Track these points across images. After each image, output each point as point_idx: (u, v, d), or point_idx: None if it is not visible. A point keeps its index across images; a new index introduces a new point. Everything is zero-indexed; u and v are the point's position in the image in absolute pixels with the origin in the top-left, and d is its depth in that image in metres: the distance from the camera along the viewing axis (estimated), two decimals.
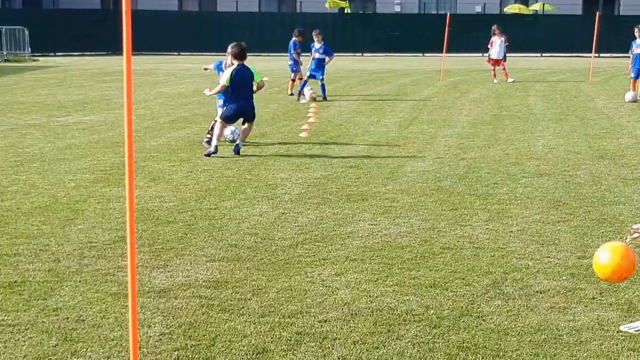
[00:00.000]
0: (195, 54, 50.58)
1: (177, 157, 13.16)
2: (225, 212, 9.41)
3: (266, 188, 10.77)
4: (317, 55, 23.16)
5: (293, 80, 24.06)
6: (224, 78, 13.49)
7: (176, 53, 51.15)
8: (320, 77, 23.04)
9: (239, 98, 13.59)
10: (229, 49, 13.86)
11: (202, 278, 6.95)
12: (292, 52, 23.89)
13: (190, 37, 51.55)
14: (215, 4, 59.35)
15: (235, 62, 13.55)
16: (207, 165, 12.42)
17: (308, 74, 23.24)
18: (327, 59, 23.43)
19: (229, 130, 14.33)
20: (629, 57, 23.96)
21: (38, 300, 6.38)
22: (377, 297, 6.51)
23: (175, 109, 20.38)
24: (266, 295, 6.55)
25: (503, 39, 30.04)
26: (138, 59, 42.72)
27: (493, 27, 30.64)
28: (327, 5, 54.43)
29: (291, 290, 6.67)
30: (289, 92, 23.70)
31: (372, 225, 8.86)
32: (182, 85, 27.95)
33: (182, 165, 12.36)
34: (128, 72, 4.63)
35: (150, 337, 5.66)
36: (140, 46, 46.62)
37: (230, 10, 54.40)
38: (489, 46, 30.60)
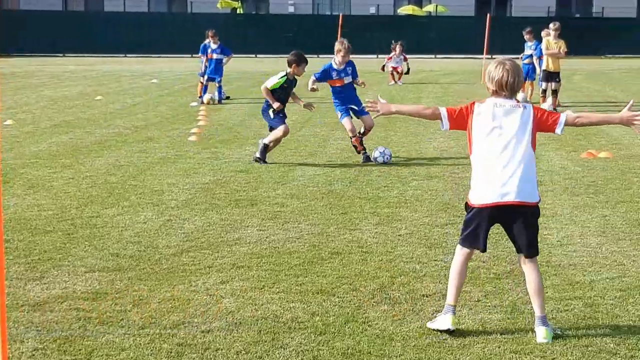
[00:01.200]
0: (81, 55, 49.73)
1: (58, 163, 12.90)
2: (108, 220, 9.27)
3: (152, 194, 10.65)
4: (214, 56, 23.04)
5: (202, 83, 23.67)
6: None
7: (61, 54, 50.20)
8: (219, 79, 22.94)
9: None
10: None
11: (80, 290, 6.81)
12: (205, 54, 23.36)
13: (75, 37, 50.64)
14: (102, 4, 58.50)
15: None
16: (90, 171, 12.22)
17: (206, 77, 23.09)
18: (225, 59, 23.33)
19: (378, 152, 13.23)
20: (519, 58, 24.58)
21: None
22: (262, 305, 6.50)
23: (57, 113, 19.99)
24: (147, 306, 6.46)
25: (402, 57, 30.50)
26: (20, 60, 41.83)
27: (397, 44, 30.96)
28: (218, 5, 54.28)
29: (174, 300, 6.60)
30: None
31: (260, 231, 8.85)
32: (66, 88, 27.44)
33: (63, 172, 12.12)
34: None
35: (22, 353, 5.52)
36: (23, 47, 45.67)
37: (118, 10, 53.66)
38: (387, 61, 30.86)
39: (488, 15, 31.00)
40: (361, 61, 46.76)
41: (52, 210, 9.67)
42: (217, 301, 6.58)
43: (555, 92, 20.74)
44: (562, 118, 5.96)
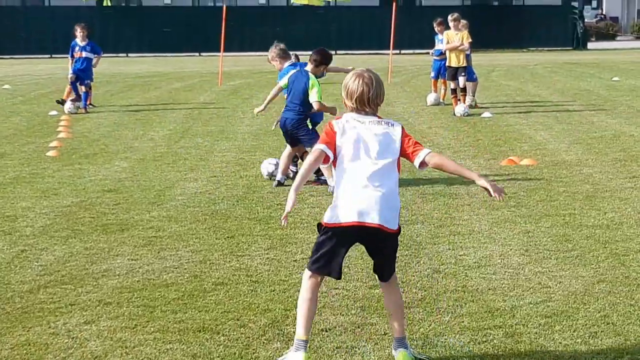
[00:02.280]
0: None
1: None
2: None
3: (2, 221, 10.47)
4: (84, 55, 22.76)
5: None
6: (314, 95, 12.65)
7: None
8: (86, 82, 22.63)
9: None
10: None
11: None
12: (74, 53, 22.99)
13: None
14: None
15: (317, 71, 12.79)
16: None
17: (72, 76, 22.71)
18: (94, 58, 23.07)
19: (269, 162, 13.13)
20: (430, 53, 24.98)
21: None
22: (134, 347, 6.44)
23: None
24: None
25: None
26: None
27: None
28: None
29: (29, 345, 6.49)
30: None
31: (132, 260, 8.78)
32: None
33: None
34: None
35: None
36: None
37: None
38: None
39: (394, 4, 31.40)
40: (249, 59, 46.97)
41: None
42: (80, 345, 6.49)
43: (464, 90, 21.12)
44: (424, 152, 6.06)
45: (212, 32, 44.52)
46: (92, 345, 6.48)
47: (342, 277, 7.68)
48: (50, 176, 13.37)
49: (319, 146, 6.03)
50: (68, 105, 22.25)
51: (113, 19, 52.23)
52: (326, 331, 6.73)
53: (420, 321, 6.92)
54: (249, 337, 6.61)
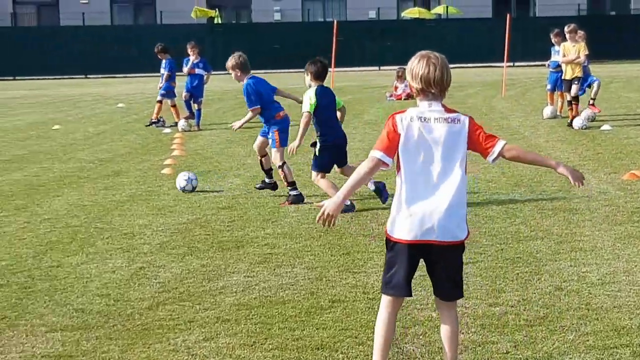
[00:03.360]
0: (34, 77, 49.95)
1: (10, 205, 12.95)
2: (71, 270, 9.29)
3: (121, 238, 10.68)
4: (196, 71, 23.20)
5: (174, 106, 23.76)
6: (306, 104, 12.39)
7: (11, 77, 50.41)
8: (199, 100, 23.08)
9: (334, 128, 12.48)
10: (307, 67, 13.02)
11: (40, 353, 6.82)
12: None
13: (27, 57, 50.86)
14: (57, 18, 58.82)
15: (315, 83, 12.69)
16: (48, 213, 12.25)
17: (186, 94, 23.18)
18: (205, 75, 23.48)
19: (183, 178, 13.62)
20: (546, 65, 24.71)
21: None
22: None
23: (8, 147, 20.06)
24: None
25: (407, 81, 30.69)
26: None
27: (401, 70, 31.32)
28: (192, 14, 54.55)
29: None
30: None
31: (248, 277, 8.87)
32: (18, 117, 27.56)
33: (17, 215, 12.16)
34: None
35: None
36: None
37: (76, 24, 53.92)
38: (394, 90, 31.03)
39: (508, 16, 31.17)
40: (359, 74, 47.05)
41: (5, 261, 9.69)
42: None
43: (576, 99, 20.82)
44: (499, 146, 5.83)
45: (322, 47, 44.74)
46: None
47: (463, 294, 7.63)
48: (165, 194, 13.61)
49: (376, 154, 5.81)
50: (181, 124, 22.63)
51: (223, 36, 52.92)
52: None
53: (544, 339, 6.84)
54: (367, 355, 6.61)
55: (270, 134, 13.31)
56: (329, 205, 5.76)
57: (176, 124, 23.16)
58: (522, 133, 20.05)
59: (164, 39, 50.91)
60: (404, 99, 30.01)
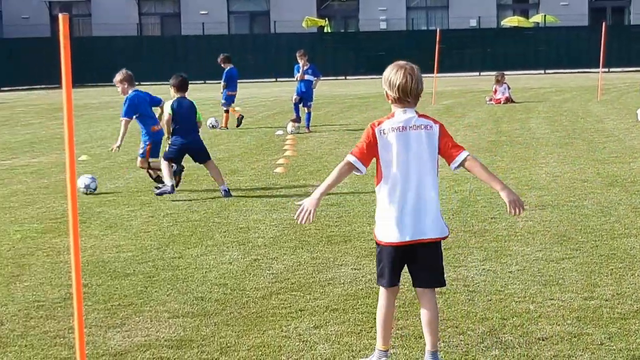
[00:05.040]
0: (157, 83, 50.71)
1: (137, 200, 13.19)
2: (191, 261, 9.43)
3: (237, 232, 10.80)
4: (306, 77, 23.37)
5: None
6: (166, 110, 13.75)
7: (137, 83, 51.29)
8: (309, 104, 23.25)
9: (184, 132, 13.65)
10: (170, 81, 14.20)
11: (163, 337, 6.95)
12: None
13: (152, 64, 51.75)
14: (179, 28, 59.68)
15: (177, 94, 13.92)
16: (171, 209, 12.45)
17: (296, 97, 23.39)
18: (314, 80, 23.62)
19: (82, 180, 13.90)
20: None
21: None
22: (360, 351, 6.53)
23: (135, 147, 20.38)
24: (236, 353, 6.55)
25: (506, 85, 30.45)
26: (93, 91, 42.87)
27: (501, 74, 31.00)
28: (303, 24, 54.86)
29: (264, 347, 6.68)
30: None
31: (355, 270, 8.89)
32: None
33: (142, 210, 12.39)
34: (69, 109, 4.67)
35: None
36: (96, 77, 46.82)
37: (196, 34, 54.66)
38: (493, 95, 30.70)
39: (603, 24, 30.62)
40: (461, 80, 46.78)
41: (132, 252, 9.88)
42: (310, 347, 6.63)
43: None
44: (461, 157, 5.95)
45: (425, 53, 44.60)
46: (321, 349, 6.60)
47: (557, 287, 7.54)
48: (278, 191, 13.72)
49: (350, 158, 5.94)
50: (290, 127, 22.79)
51: (332, 44, 53.13)
52: (543, 340, 6.63)
53: (637, 332, 6.72)
54: (468, 344, 6.59)
55: (143, 144, 14.21)
56: (306, 202, 6.03)
57: (227, 128, 23.99)
58: (617, 135, 19.69)
59: (277, 47, 51.58)
60: (503, 103, 29.71)
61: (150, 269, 9.12)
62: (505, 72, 32.70)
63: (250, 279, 8.66)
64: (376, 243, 6.08)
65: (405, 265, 6.11)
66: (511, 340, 6.64)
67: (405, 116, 5.92)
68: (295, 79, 23.91)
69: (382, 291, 6.15)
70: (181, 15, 60.18)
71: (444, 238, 6.03)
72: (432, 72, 32.15)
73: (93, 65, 48.76)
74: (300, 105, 23.52)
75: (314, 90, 23.81)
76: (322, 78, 24.91)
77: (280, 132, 22.68)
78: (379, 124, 5.94)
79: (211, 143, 20.68)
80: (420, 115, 5.96)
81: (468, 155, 5.98)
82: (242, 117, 24.76)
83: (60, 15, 4.22)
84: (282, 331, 7.03)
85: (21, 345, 6.84)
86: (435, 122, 6.01)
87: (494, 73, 34.21)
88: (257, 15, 60.63)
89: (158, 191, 13.43)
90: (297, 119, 23.30)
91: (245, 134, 22.89)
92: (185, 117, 13.72)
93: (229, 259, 9.49)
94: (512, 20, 56.40)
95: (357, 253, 9.58)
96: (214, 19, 57.94)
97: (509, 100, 29.97)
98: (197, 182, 14.87)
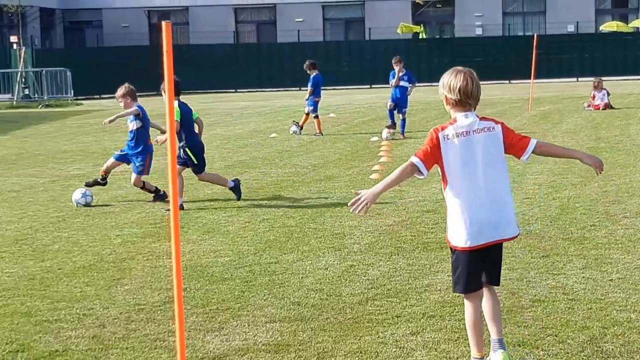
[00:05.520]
0: (253, 90, 51.22)
1: (233, 206, 13.32)
2: (287, 266, 9.48)
3: (332, 238, 10.82)
4: (401, 84, 23.34)
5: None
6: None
7: (232, 90, 51.84)
8: (403, 110, 23.22)
9: (193, 134, 13.67)
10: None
11: (261, 341, 6.99)
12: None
13: (247, 72, 52.23)
14: (274, 35, 60.11)
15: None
16: (267, 214, 12.54)
17: (391, 103, 23.38)
18: (409, 87, 23.58)
19: (79, 193, 13.81)
20: None
21: None
22: (457, 358, 6.48)
23: (231, 153, 20.64)
24: (333, 359, 6.57)
25: (606, 91, 29.97)
26: (190, 98, 43.38)
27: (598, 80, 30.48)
28: (398, 31, 54.77)
29: (361, 352, 6.68)
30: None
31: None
32: (239, 126, 28.33)
33: (239, 215, 12.50)
34: (171, 115, 4.74)
35: None
36: (193, 84, 47.42)
37: (292, 41, 54.98)
38: (591, 101, 30.25)
39: None
40: (558, 85, 46.15)
41: (229, 257, 9.98)
42: (407, 354, 6.61)
43: None
44: (532, 143, 6.08)
45: (521, 59, 44.18)
46: (418, 355, 6.57)
47: None
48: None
49: (413, 159, 6.00)
50: (385, 133, 22.77)
51: (427, 50, 52.93)
52: None
53: None
54: (567, 353, 6.49)
55: (140, 160, 14.05)
56: (366, 194, 6.03)
57: (318, 134, 24.11)
58: None
59: (373, 53, 51.60)
60: (602, 109, 29.23)
61: (247, 273, 9.19)
62: (604, 78, 32.21)
63: (346, 284, 8.67)
64: (451, 249, 6.14)
65: None
66: (612, 350, 6.52)
67: (468, 121, 5.99)
68: (390, 85, 23.92)
69: (468, 303, 6.18)
70: (277, 22, 60.68)
71: (516, 237, 6.14)
72: (529, 78, 31.80)
73: (190, 73, 49.37)
74: (395, 112, 23.50)
75: (409, 96, 23.75)
76: (417, 84, 24.83)
77: (375, 138, 22.67)
78: (442, 129, 6.02)
79: (306, 150, 20.80)
80: (481, 119, 6.04)
81: (537, 141, 6.09)
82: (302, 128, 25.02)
83: (163, 23, 4.29)
84: (378, 337, 7.02)
85: (122, 347, 6.95)
86: (497, 122, 6.09)
87: (592, 79, 33.70)
88: (352, 22, 60.79)
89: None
90: (392, 125, 23.27)
91: (340, 140, 22.94)
92: (190, 120, 13.65)
93: (325, 264, 9.51)
94: (610, 26, 55.48)
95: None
96: (310, 26, 58.26)
97: (607, 106, 29.47)
98: (293, 187, 14.94)
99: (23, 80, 43.52)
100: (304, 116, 25.01)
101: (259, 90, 51.27)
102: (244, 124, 28.96)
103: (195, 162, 13.56)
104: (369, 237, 10.84)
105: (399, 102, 23.33)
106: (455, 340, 6.87)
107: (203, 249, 10.44)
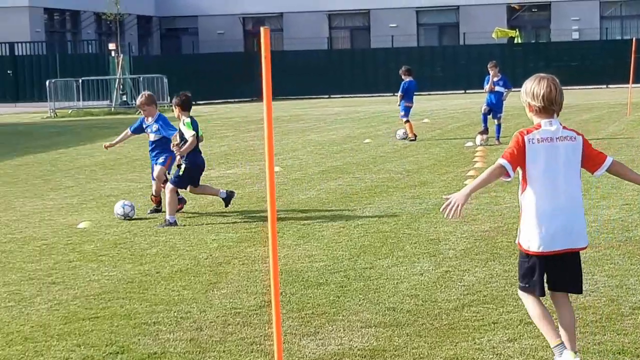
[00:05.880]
0: (346, 96, 51.33)
1: (328, 211, 13.36)
2: (382, 271, 9.47)
3: (427, 243, 10.78)
4: (496, 89, 23.16)
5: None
6: (190, 130, 12.95)
7: (326, 96, 52.01)
8: (498, 115, 23.03)
9: (198, 152, 13.23)
10: (174, 100, 13.48)
11: (357, 346, 7.00)
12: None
13: (341, 78, 52.34)
14: (368, 41, 60.16)
15: (183, 114, 13.22)
16: (361, 219, 12.55)
17: (485, 108, 23.18)
18: (505, 92, 23.35)
19: (119, 204, 13.44)
20: None
21: None
22: None
23: (325, 158, 20.71)
24: None
25: None
26: (285, 104, 43.71)
27: None
28: (493, 35, 54.28)
29: (457, 359, 6.65)
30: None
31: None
32: (333, 132, 28.40)
33: (333, 221, 12.53)
34: (269, 121, 4.78)
35: None
36: (287, 90, 47.74)
37: (385, 47, 54.92)
38: None
39: None
40: None
41: (324, 262, 10.01)
42: None
43: None
44: (609, 160, 6.17)
45: (620, 64, 43.44)
46: None
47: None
48: (468, 203, 13.55)
49: (502, 161, 6.06)
50: (478, 139, 22.60)
51: (522, 55, 52.36)
52: None
53: None
54: None
55: (164, 156, 13.77)
56: (456, 196, 6.13)
57: (411, 138, 23.98)
58: None
59: (467, 58, 51.28)
60: None
61: (342, 278, 9.21)
62: None
63: (441, 290, 8.63)
64: (521, 251, 6.19)
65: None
66: None
67: (552, 127, 6.08)
68: (484, 91, 23.73)
69: (528, 298, 6.25)
70: (370, 28, 60.74)
71: (585, 248, 6.23)
72: (627, 82, 31.24)
73: (285, 79, 49.72)
74: (490, 117, 23.30)
75: (504, 102, 23.53)
76: (512, 89, 24.58)
77: (469, 143, 22.53)
78: (527, 133, 6.10)
79: (400, 155, 20.77)
80: (564, 127, 6.12)
81: (613, 159, 6.21)
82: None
83: (261, 29, 4.33)
84: (475, 344, 6.97)
85: (219, 350, 7.03)
86: (578, 133, 6.17)
87: None
88: (446, 27, 60.53)
89: (162, 225, 12.67)
90: (485, 131, 23.06)
91: (434, 145, 22.85)
92: (199, 136, 13.27)
93: (420, 270, 9.48)
94: None
95: None
96: (403, 31, 58.17)
97: None
98: (387, 193, 14.93)
99: (121, 87, 44.29)
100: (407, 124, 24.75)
101: (353, 95, 51.33)
102: (337, 130, 29.03)
103: (181, 174, 13.04)
104: (464, 242, 10.77)
105: (494, 108, 23.12)
106: (550, 347, 6.77)
107: (298, 253, 10.50)
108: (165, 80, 43.93)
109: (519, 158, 6.05)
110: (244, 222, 12.77)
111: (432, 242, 10.87)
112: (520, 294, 6.32)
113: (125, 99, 44.22)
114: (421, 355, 6.74)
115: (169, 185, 13.00)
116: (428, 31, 60.78)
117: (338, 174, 17.72)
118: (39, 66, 49.70)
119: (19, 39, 51.43)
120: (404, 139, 24.32)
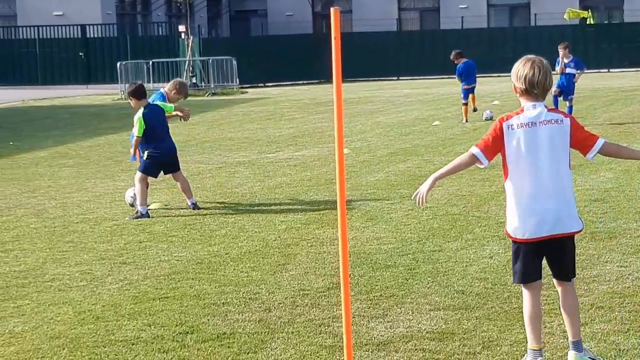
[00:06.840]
0: (416, 78, 51.09)
1: (396, 193, 13.32)
2: (451, 254, 9.43)
3: (497, 227, 10.70)
4: (567, 70, 22.91)
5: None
6: (136, 128, 12.52)
7: (395, 78, 51.81)
8: (570, 97, 22.79)
9: (159, 140, 12.65)
10: (127, 90, 13.00)
11: (425, 329, 6.99)
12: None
13: (410, 59, 52.08)
14: (438, 22, 59.77)
15: (139, 104, 12.72)
16: (430, 202, 12.47)
17: (556, 90, 22.93)
18: (577, 74, 23.07)
19: (129, 193, 12.97)
20: None
21: (248, 353, 6.62)
22: (627, 350, 6.33)
23: (394, 140, 20.65)
24: (498, 348, 6.51)
25: None
26: (353, 86, 43.65)
27: None
28: (565, 16, 53.53)
29: (527, 343, 6.58)
30: None
31: (621, 267, 8.62)
32: (402, 114, 28.31)
33: (402, 203, 12.49)
34: (338, 102, 4.77)
35: None
36: (356, 72, 47.65)
37: (455, 28, 54.51)
38: None
39: None
40: None
41: (393, 244, 9.99)
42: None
43: None
44: (600, 142, 5.98)
45: None
46: (587, 347, 6.41)
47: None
48: None
49: (474, 150, 5.98)
50: None
51: (595, 36, 51.62)
52: None
53: None
54: None
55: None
56: (422, 186, 6.17)
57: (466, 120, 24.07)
58: None
59: (537, 40, 50.69)
60: None
61: (410, 261, 9.19)
62: None
63: (510, 274, 8.53)
64: (511, 240, 6.12)
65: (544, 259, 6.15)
66: None
67: (535, 111, 5.95)
68: (555, 72, 23.41)
69: (525, 293, 6.15)
70: (440, 9, 60.30)
71: (579, 232, 6.08)
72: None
73: (353, 61, 49.61)
74: (561, 99, 23.03)
75: (575, 83, 23.24)
76: (586, 71, 24.27)
77: None
78: (507, 119, 6.00)
79: (469, 137, 20.63)
80: (549, 110, 5.99)
81: (605, 141, 6.04)
82: (475, 109, 25.44)
83: (331, 10, 4.32)
84: (545, 327, 6.91)
85: (288, 332, 7.06)
86: (566, 115, 6.05)
87: None
88: (517, 7, 59.85)
89: (133, 217, 12.21)
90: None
91: None
92: (161, 122, 12.75)
93: (490, 253, 9.42)
94: None
95: (623, 250, 9.28)
96: (473, 12, 57.66)
97: None
98: (456, 176, 14.81)
99: (190, 69, 44.56)
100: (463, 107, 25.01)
101: (422, 77, 51.08)
102: (406, 112, 28.94)
103: (145, 159, 12.55)
104: None
105: (565, 89, 22.87)
106: (626, 332, 6.71)
107: (366, 236, 10.49)
108: (235, 62, 44.08)
109: (495, 146, 5.95)
110: (312, 204, 12.80)
111: (501, 225, 10.73)
112: (523, 287, 6.20)
113: (194, 81, 44.47)
114: (490, 339, 6.70)
115: (137, 174, 12.58)
116: (498, 12, 60.14)
117: (406, 156, 17.67)
118: (110, 48, 50.27)
119: (90, 22, 52.02)
120: (489, 119, 24.19)
